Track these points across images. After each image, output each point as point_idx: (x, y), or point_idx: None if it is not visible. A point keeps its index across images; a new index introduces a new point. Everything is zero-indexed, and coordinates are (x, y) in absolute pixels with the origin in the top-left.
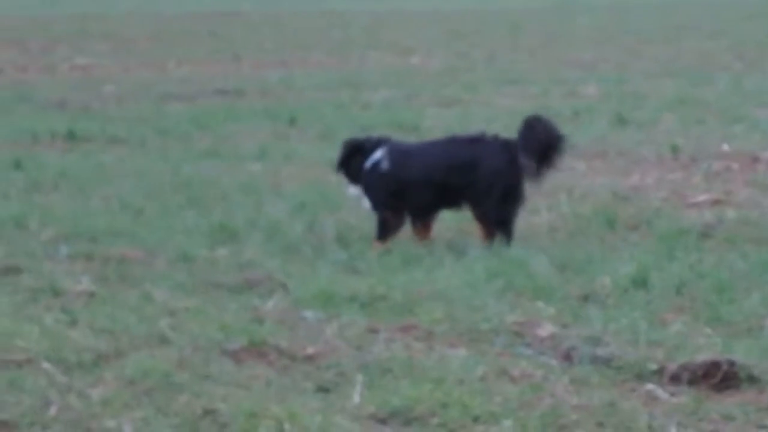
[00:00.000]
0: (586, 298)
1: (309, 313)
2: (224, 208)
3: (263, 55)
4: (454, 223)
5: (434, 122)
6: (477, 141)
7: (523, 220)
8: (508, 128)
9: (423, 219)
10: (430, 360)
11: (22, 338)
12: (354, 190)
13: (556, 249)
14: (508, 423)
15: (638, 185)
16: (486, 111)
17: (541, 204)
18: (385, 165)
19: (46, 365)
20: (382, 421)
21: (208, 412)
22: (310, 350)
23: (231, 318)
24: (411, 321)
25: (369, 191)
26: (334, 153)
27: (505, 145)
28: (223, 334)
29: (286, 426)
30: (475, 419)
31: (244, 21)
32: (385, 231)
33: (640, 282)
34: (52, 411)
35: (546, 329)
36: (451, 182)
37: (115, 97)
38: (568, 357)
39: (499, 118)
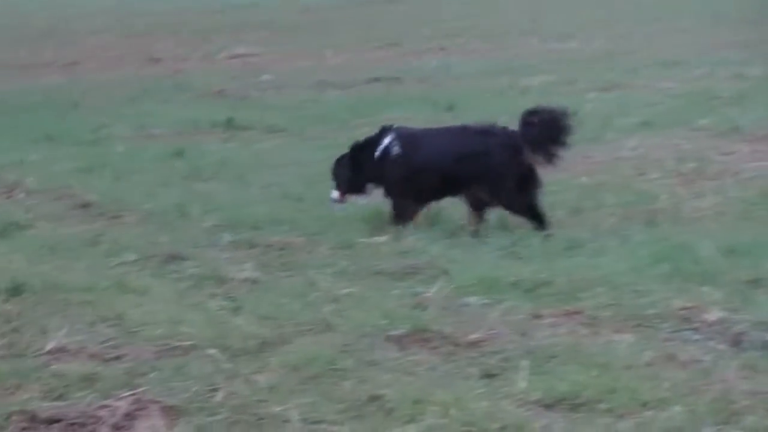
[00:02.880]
0: (754, 283)
1: (472, 299)
2: None
3: (421, 42)
4: (618, 209)
5: (594, 107)
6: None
7: (688, 204)
8: (671, 111)
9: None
10: (595, 345)
11: (188, 325)
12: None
13: (723, 233)
14: (677, 408)
15: None
16: (647, 95)
17: (707, 187)
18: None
19: (211, 351)
20: (549, 407)
21: (373, 398)
22: (473, 336)
23: (394, 304)
24: (575, 306)
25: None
26: None
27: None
28: (386, 320)
29: (452, 412)
30: (644, 405)
31: (403, 8)
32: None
33: None
34: (219, 397)
35: (714, 314)
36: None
37: (273, 86)
38: (737, 342)
39: (661, 102)
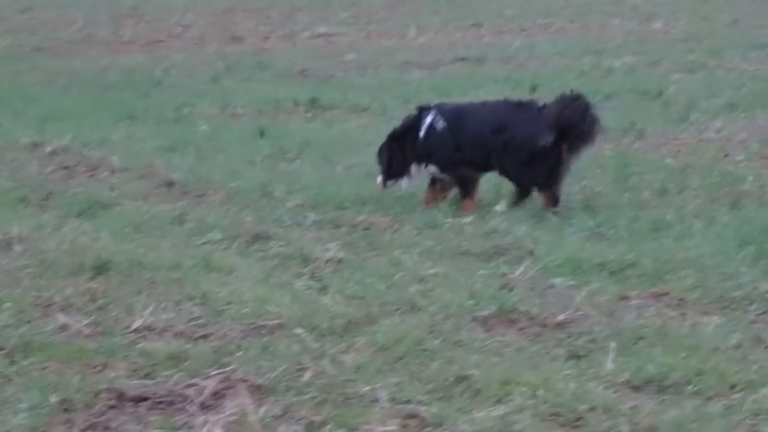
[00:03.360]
0: None
1: (558, 280)
2: None
3: (504, 22)
4: (703, 190)
5: (678, 88)
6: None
7: None
8: (756, 93)
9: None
10: (683, 327)
11: (274, 304)
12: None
13: None
14: (765, 391)
15: None
16: (732, 76)
17: None
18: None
19: (298, 331)
20: (636, 389)
21: (461, 379)
22: (560, 317)
23: (480, 285)
24: (662, 288)
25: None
26: None
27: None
28: (473, 300)
29: (540, 393)
30: (732, 387)
31: None
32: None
33: None
34: (306, 376)
35: None
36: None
37: (356, 66)
38: None
39: (746, 84)
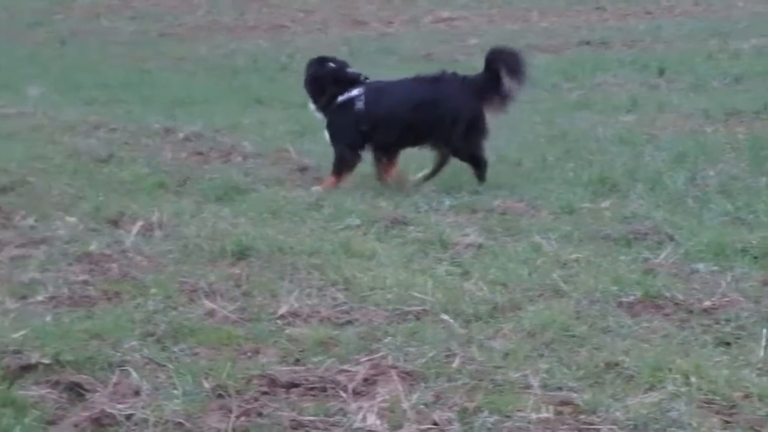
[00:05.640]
0: None
1: (701, 266)
2: (602, 159)
3: (627, 5)
4: None
5: None
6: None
7: None
8: None
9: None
10: None
11: (417, 290)
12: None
13: None
14: None
15: None
16: None
17: None
18: (359, 104)
19: (444, 317)
20: None
21: (611, 365)
22: (706, 303)
23: (623, 270)
24: None
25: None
26: (708, 104)
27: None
28: (617, 286)
29: (693, 380)
30: None
31: None
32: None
33: None
34: (456, 362)
35: None
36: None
37: (480, 49)
38: None
39: None
